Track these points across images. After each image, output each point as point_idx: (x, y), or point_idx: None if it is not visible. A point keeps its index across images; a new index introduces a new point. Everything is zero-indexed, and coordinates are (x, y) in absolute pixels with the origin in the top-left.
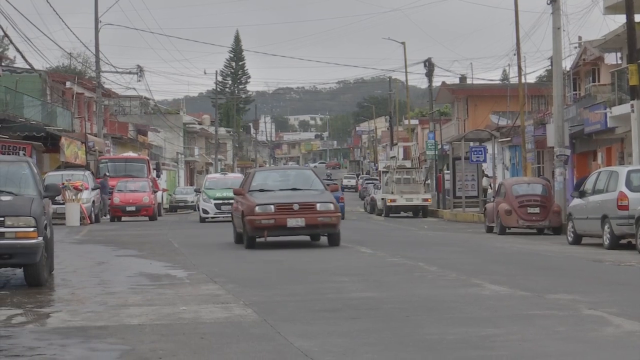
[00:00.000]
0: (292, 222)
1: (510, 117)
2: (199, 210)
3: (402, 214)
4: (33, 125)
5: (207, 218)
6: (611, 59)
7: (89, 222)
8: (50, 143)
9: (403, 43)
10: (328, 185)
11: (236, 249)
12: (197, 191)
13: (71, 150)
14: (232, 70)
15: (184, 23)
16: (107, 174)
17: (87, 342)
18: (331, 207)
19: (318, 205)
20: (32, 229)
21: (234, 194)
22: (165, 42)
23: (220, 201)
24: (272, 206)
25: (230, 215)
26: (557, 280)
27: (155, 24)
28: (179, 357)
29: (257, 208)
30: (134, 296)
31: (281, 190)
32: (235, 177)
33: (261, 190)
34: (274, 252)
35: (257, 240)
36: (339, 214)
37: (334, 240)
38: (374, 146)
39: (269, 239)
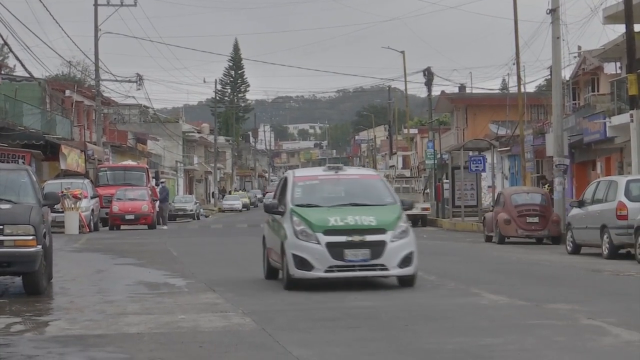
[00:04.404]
0: None
1: (510, 127)
2: (283, 257)
3: None
4: (32, 133)
5: (309, 278)
6: (610, 68)
7: (87, 230)
8: (49, 151)
9: (402, 52)
10: None
11: None
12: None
13: (71, 158)
14: (232, 79)
15: (183, 32)
16: (165, 181)
17: (85, 351)
18: None
19: None
20: (31, 237)
21: None
22: (165, 51)
23: (345, 239)
24: None
25: (367, 268)
26: (556, 289)
27: (155, 33)
28: None
29: None
30: (132, 305)
31: None
32: (363, 176)
33: None
34: None
35: None
36: None
37: None
38: (373, 155)
39: None
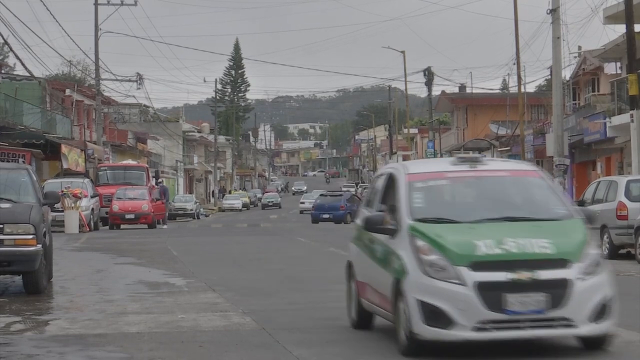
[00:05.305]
0: None
1: (510, 127)
2: (399, 304)
3: None
4: (32, 132)
5: (447, 340)
6: (611, 68)
7: (87, 229)
8: (49, 150)
9: (403, 52)
10: None
11: None
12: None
13: (71, 157)
14: (232, 79)
15: (183, 31)
16: (162, 180)
17: (85, 350)
18: None
19: None
20: (31, 237)
21: None
22: (165, 50)
23: (505, 276)
24: None
25: (543, 324)
26: None
27: (155, 32)
28: None
29: None
30: (132, 304)
31: None
32: (516, 172)
33: None
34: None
35: None
36: None
37: None
38: (373, 155)
39: None
